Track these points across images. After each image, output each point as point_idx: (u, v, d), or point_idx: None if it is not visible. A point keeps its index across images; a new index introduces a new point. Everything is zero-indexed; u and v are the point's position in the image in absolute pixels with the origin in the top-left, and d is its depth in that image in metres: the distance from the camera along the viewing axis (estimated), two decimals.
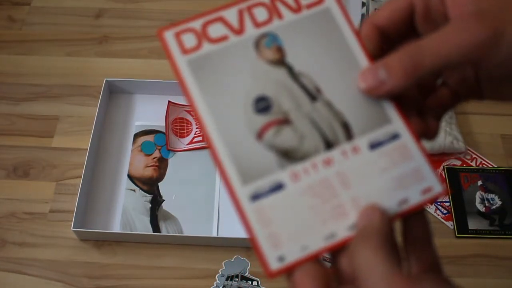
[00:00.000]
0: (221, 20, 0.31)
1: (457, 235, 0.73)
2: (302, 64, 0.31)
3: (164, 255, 0.72)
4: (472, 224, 0.73)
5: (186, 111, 0.83)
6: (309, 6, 0.32)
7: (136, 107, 0.84)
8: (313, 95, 0.31)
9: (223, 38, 0.31)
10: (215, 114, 0.30)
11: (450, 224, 0.74)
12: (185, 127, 0.82)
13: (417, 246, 0.29)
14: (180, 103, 0.83)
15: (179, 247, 0.72)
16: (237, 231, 0.72)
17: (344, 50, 0.32)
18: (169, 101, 0.82)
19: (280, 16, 0.32)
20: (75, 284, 0.69)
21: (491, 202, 0.75)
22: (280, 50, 0.31)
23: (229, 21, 0.31)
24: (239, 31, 0.31)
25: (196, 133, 0.81)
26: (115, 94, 0.85)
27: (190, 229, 0.73)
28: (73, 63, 0.89)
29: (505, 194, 0.76)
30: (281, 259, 0.28)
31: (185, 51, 0.31)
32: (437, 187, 0.30)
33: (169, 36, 0.31)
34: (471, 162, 0.79)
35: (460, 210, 0.74)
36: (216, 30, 0.31)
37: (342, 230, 0.28)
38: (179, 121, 0.82)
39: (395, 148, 0.30)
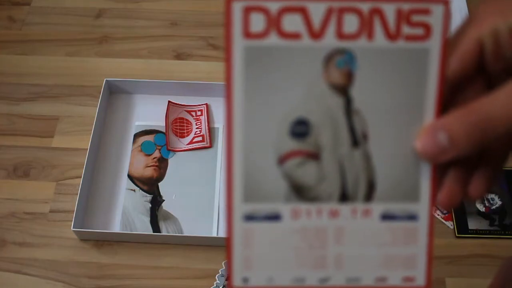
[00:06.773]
0: (303, 12, 0.26)
1: (457, 235, 0.73)
2: (364, 101, 0.27)
3: (164, 255, 0.72)
4: (472, 224, 0.73)
5: (186, 111, 0.83)
6: (409, 38, 0.26)
7: (136, 107, 0.84)
8: (357, 140, 0.28)
9: (296, 36, 0.26)
10: (247, 117, 0.27)
11: (450, 224, 0.74)
12: (185, 127, 0.82)
13: None
14: (180, 103, 0.83)
15: (179, 247, 0.72)
16: None
17: (415, 99, 0.27)
18: (169, 101, 0.82)
19: (370, 35, 0.26)
20: (75, 284, 0.69)
21: (491, 202, 0.75)
22: (349, 75, 0.27)
23: (311, 18, 0.26)
24: (318, 34, 0.26)
25: (196, 133, 0.81)
26: (115, 94, 0.85)
27: (190, 229, 0.73)
28: (73, 63, 0.89)
29: (505, 194, 0.76)
30: (245, 280, 0.28)
31: (247, 34, 0.26)
32: (420, 280, 0.29)
33: (237, 8, 0.25)
34: None
35: (460, 210, 0.74)
36: (292, 22, 0.26)
37: (311, 280, 0.28)
38: (179, 121, 0.82)
39: (405, 229, 0.29)
